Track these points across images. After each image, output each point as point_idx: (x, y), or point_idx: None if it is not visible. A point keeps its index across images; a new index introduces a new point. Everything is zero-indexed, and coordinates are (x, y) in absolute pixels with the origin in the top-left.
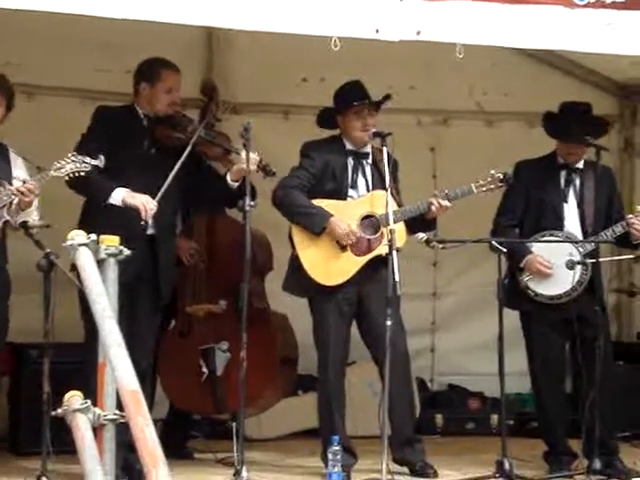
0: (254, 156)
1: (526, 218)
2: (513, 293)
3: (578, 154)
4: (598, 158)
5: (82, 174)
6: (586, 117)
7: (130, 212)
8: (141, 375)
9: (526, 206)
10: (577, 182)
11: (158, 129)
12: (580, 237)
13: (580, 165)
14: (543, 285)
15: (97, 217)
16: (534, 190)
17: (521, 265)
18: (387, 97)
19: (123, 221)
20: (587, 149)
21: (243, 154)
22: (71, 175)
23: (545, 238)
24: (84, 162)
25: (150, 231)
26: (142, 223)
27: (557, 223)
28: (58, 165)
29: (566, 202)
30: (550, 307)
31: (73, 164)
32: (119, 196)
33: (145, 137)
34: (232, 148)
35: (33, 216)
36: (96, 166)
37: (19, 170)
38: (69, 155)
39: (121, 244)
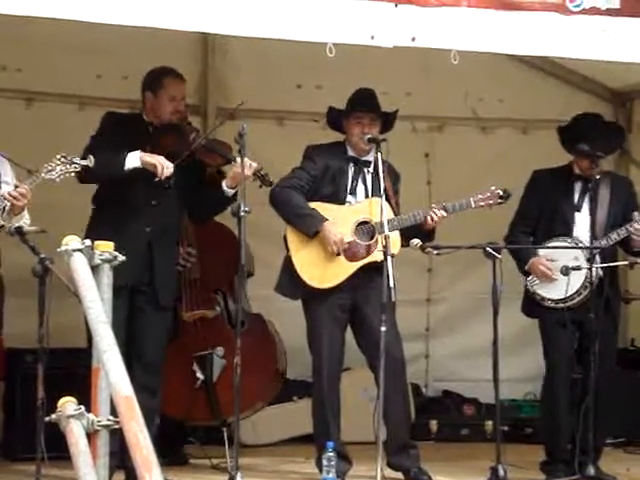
0: (254, 164)
1: (539, 225)
2: (530, 301)
3: (593, 168)
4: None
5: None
6: (598, 130)
7: (134, 219)
8: (149, 368)
9: (540, 214)
10: (592, 192)
11: (161, 137)
12: (588, 244)
13: (597, 175)
14: (548, 289)
15: (102, 224)
16: (549, 198)
17: (526, 268)
18: (394, 113)
19: (126, 227)
20: (603, 161)
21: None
22: (64, 176)
23: (549, 244)
24: (74, 163)
25: (148, 236)
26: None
27: (567, 231)
28: (49, 167)
29: (579, 211)
30: (562, 310)
31: (63, 165)
32: (135, 158)
33: (147, 145)
34: (232, 157)
35: (25, 219)
36: (86, 166)
37: (7, 175)
38: (58, 157)
39: (122, 249)
